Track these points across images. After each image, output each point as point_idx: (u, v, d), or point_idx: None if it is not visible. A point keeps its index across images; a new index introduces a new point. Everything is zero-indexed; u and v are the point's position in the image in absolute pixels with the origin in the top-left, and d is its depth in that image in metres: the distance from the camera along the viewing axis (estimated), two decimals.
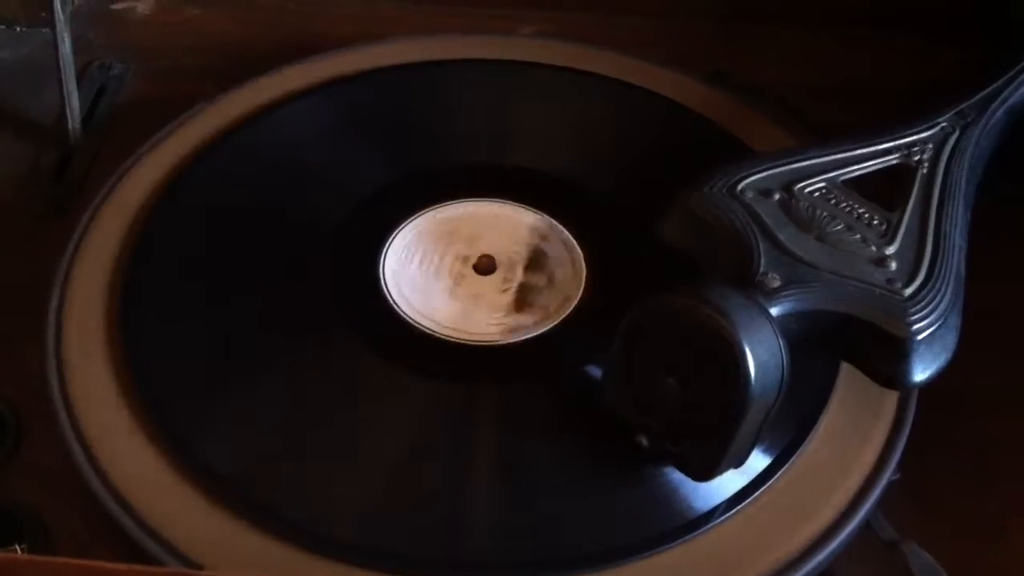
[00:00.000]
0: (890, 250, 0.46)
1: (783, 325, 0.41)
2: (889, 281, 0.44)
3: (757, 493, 0.45)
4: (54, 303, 0.51)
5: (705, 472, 0.42)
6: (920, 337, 0.43)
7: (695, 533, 0.44)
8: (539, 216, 0.55)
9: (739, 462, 0.43)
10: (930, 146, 0.50)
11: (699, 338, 0.40)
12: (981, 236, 0.49)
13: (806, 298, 0.43)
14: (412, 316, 0.51)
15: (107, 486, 0.45)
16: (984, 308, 0.48)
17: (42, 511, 0.46)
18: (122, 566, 0.32)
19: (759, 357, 0.39)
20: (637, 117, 0.61)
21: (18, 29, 0.69)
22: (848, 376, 0.48)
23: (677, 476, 0.44)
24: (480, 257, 0.53)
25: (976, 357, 0.47)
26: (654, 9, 0.70)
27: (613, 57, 0.63)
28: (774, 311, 0.42)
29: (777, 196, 0.47)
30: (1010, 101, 0.54)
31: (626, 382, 0.44)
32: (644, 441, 0.43)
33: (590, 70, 0.62)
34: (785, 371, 0.40)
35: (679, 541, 0.44)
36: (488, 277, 0.53)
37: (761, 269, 0.44)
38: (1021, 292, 0.55)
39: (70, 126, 0.61)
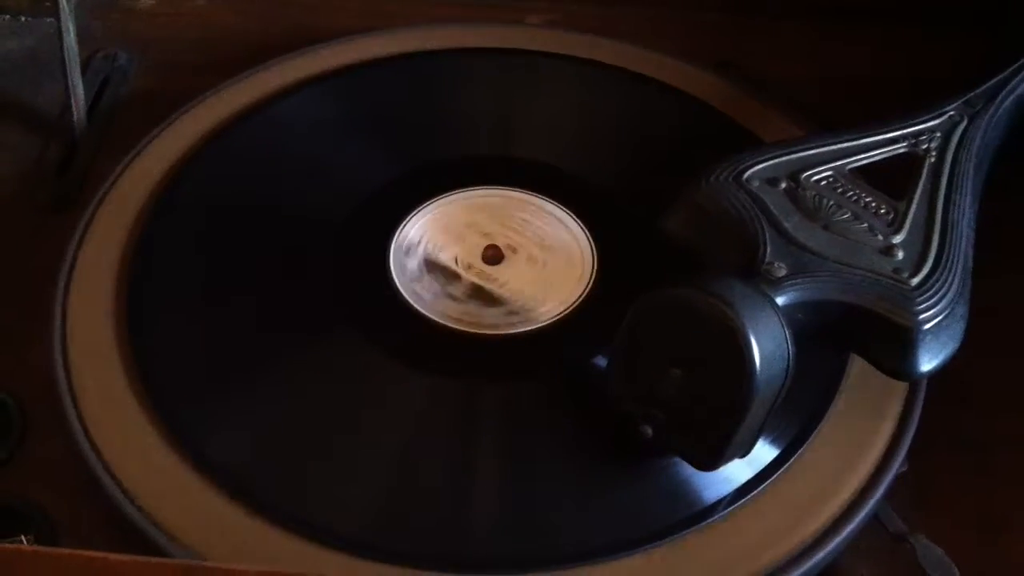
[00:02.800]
0: (897, 239, 0.45)
1: (789, 315, 0.41)
2: (896, 271, 0.44)
3: (764, 485, 0.45)
4: (59, 297, 0.50)
5: (710, 462, 0.42)
6: (927, 327, 0.43)
7: (702, 524, 0.44)
8: (545, 204, 0.55)
9: (744, 452, 0.43)
10: (938, 135, 0.50)
11: (704, 328, 0.40)
12: (992, 229, 0.49)
13: (812, 287, 0.43)
14: (420, 307, 0.51)
15: (112, 477, 0.45)
16: (992, 305, 0.48)
17: (47, 505, 0.46)
18: (126, 557, 0.32)
19: (764, 347, 0.39)
20: (645, 108, 0.61)
21: (23, 19, 0.69)
22: (856, 367, 0.48)
23: (684, 468, 0.44)
24: (487, 248, 0.53)
25: (982, 353, 0.47)
26: (657, 1, 0.70)
27: (620, 47, 0.63)
28: (780, 300, 0.42)
29: (783, 185, 0.47)
30: (1019, 90, 0.53)
31: (631, 373, 0.43)
32: (648, 431, 0.43)
33: (597, 60, 0.62)
34: (790, 361, 0.40)
35: (686, 532, 0.44)
36: (495, 267, 0.53)
37: (767, 258, 0.43)
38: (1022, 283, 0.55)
39: (75, 117, 0.60)
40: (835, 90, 0.63)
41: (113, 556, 0.31)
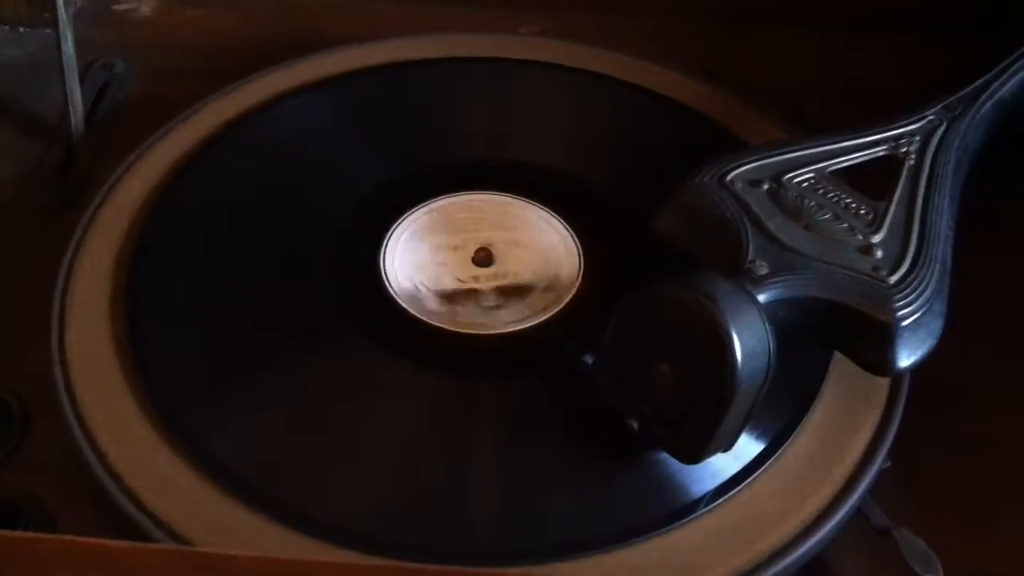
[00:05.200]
0: (876, 238, 0.46)
1: (771, 312, 0.42)
2: (875, 268, 0.45)
3: (749, 479, 0.45)
4: (58, 298, 0.51)
5: (693, 455, 0.43)
6: (905, 323, 0.43)
7: (687, 519, 0.44)
8: (537, 208, 0.56)
9: (728, 446, 0.43)
10: (917, 138, 0.51)
11: (687, 324, 0.41)
12: (976, 233, 0.50)
13: (793, 285, 0.44)
14: (413, 309, 0.51)
15: (110, 475, 0.45)
16: (979, 303, 0.49)
17: (46, 502, 0.47)
18: (124, 544, 0.33)
19: (746, 342, 0.40)
20: (634, 114, 0.61)
21: (21, 29, 0.70)
22: (840, 365, 0.48)
23: (671, 463, 0.45)
24: (478, 250, 0.54)
25: (969, 351, 0.48)
26: (653, 10, 0.71)
27: (609, 55, 0.64)
28: (761, 297, 0.42)
29: (766, 186, 0.48)
30: (998, 95, 0.54)
31: (617, 369, 0.44)
32: (634, 425, 0.44)
33: (587, 68, 0.63)
34: (772, 356, 0.41)
35: (672, 526, 0.44)
36: (486, 269, 0.54)
37: (749, 257, 0.44)
38: (1015, 287, 0.56)
39: (73, 124, 0.61)
40: (831, 97, 0.64)
41: (111, 543, 0.32)
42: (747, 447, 0.46)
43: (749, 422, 0.43)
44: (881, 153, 0.50)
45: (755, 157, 0.49)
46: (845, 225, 0.47)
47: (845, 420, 0.48)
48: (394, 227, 0.55)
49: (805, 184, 0.48)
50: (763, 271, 0.44)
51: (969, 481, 0.50)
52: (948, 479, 0.49)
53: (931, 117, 0.52)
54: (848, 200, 0.48)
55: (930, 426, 0.49)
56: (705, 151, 0.51)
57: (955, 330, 0.46)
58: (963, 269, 0.48)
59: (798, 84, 0.65)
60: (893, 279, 0.45)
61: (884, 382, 0.49)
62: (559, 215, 0.56)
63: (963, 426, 0.51)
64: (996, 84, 0.54)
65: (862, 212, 0.47)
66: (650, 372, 0.42)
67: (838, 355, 0.48)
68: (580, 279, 0.53)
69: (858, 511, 0.46)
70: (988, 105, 0.54)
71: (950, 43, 0.66)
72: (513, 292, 0.53)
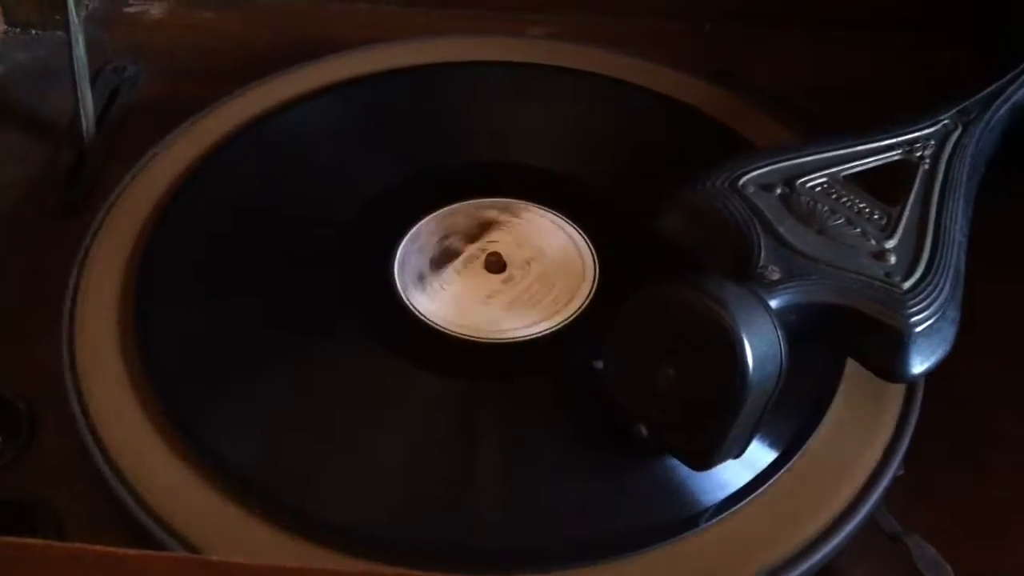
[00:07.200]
0: (890, 244, 0.46)
1: (782, 317, 0.42)
2: (888, 274, 0.45)
3: (762, 488, 0.45)
4: (68, 300, 0.51)
5: (703, 462, 0.43)
6: (918, 329, 0.43)
7: (700, 527, 0.44)
8: (546, 213, 0.56)
9: (738, 452, 0.43)
10: (932, 142, 0.51)
11: (697, 328, 0.41)
12: (985, 235, 0.50)
13: (805, 290, 0.43)
14: (423, 313, 0.51)
15: (119, 477, 0.45)
16: (986, 307, 0.49)
17: (54, 504, 0.47)
18: (135, 551, 0.32)
19: (757, 347, 0.40)
20: (644, 117, 0.61)
21: (33, 32, 0.70)
22: (853, 371, 0.48)
23: (681, 471, 0.44)
24: (489, 255, 0.54)
25: (979, 356, 0.48)
26: (658, 12, 0.71)
27: (617, 58, 0.64)
28: (773, 303, 0.42)
29: (778, 191, 0.48)
30: (1013, 99, 0.54)
31: (627, 372, 0.44)
32: (643, 431, 0.44)
33: (595, 71, 0.63)
34: (783, 362, 0.41)
35: (685, 535, 0.44)
36: (497, 275, 0.53)
37: (761, 262, 0.44)
38: (1022, 292, 0.56)
39: (84, 127, 0.61)
40: (834, 98, 0.64)
41: (121, 550, 0.32)
42: (760, 454, 0.46)
43: (760, 428, 0.43)
44: (895, 157, 0.50)
45: (767, 161, 0.48)
46: (858, 230, 0.46)
47: (859, 427, 0.48)
48: (406, 230, 0.55)
49: (818, 189, 0.48)
50: (775, 276, 0.44)
51: (976, 486, 0.49)
52: (955, 484, 0.49)
53: (946, 121, 0.52)
54: (861, 205, 0.47)
55: (936, 427, 0.49)
56: (714, 153, 0.51)
57: (962, 334, 0.45)
58: (970, 273, 0.48)
59: (801, 85, 0.65)
60: (907, 285, 0.44)
61: (898, 388, 0.49)
62: (572, 220, 0.55)
63: (970, 431, 0.51)
64: (1011, 89, 0.54)
65: (875, 217, 0.47)
66: (658, 376, 0.42)
67: (851, 361, 0.48)
68: (593, 285, 0.53)
69: (870, 519, 0.46)
70: (1003, 110, 0.53)
71: (950, 44, 0.66)
72: (524, 297, 0.52)
